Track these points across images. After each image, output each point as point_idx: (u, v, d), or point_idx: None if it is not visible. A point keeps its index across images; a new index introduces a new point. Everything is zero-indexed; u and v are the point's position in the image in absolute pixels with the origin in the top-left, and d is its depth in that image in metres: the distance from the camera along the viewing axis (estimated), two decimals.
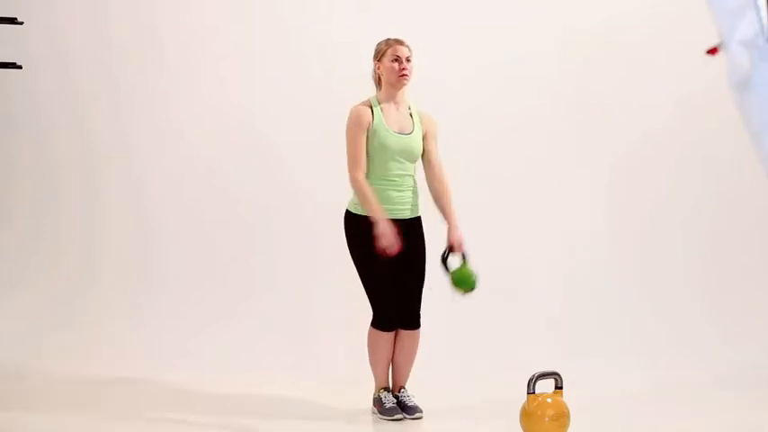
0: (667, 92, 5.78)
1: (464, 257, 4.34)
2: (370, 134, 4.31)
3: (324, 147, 5.69)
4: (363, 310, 4.47)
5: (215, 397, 4.73)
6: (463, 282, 4.28)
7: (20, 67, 4.66)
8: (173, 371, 5.11)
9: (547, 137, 5.83)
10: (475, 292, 4.29)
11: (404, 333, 4.44)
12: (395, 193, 4.33)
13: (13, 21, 4.51)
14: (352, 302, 5.23)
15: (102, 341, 5.46)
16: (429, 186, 4.47)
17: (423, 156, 4.43)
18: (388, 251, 4.18)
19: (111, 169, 5.85)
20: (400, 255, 4.31)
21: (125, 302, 5.68)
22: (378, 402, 4.44)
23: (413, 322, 4.43)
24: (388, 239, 4.18)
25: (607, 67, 5.80)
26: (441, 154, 4.47)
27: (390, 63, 4.35)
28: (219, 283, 5.71)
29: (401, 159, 4.34)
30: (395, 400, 4.43)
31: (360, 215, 4.32)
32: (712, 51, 2.05)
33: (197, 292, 5.68)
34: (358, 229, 4.32)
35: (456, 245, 4.39)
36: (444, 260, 4.33)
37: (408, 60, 4.36)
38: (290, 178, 5.78)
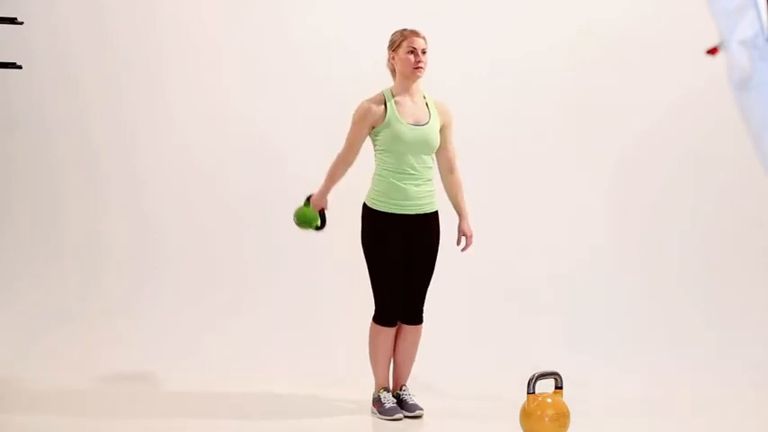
0: (667, 92, 5.77)
1: (308, 200, 4.55)
2: (383, 128, 4.30)
3: (325, 146, 5.68)
4: (364, 309, 4.47)
5: (215, 397, 4.73)
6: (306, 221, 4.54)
7: (20, 67, 4.66)
8: (173, 371, 5.10)
9: (547, 137, 5.82)
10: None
11: (406, 328, 4.45)
12: (413, 188, 4.32)
13: (13, 21, 4.51)
14: (353, 302, 5.24)
15: (102, 341, 5.46)
16: (441, 177, 4.47)
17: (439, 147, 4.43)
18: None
19: (111, 169, 5.85)
20: (414, 250, 4.32)
21: (125, 302, 5.67)
22: (377, 402, 4.44)
23: (416, 317, 4.44)
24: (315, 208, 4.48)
25: (607, 68, 5.79)
26: (455, 145, 4.48)
27: (406, 55, 4.32)
28: (220, 283, 5.70)
29: (418, 152, 4.32)
30: (395, 400, 4.43)
31: (377, 210, 4.32)
32: (712, 51, 2.05)
33: (197, 292, 5.68)
34: (374, 223, 4.34)
35: (468, 237, 4.52)
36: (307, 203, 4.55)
37: (424, 52, 4.35)
38: (292, 178, 5.76)
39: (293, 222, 4.57)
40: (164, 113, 5.83)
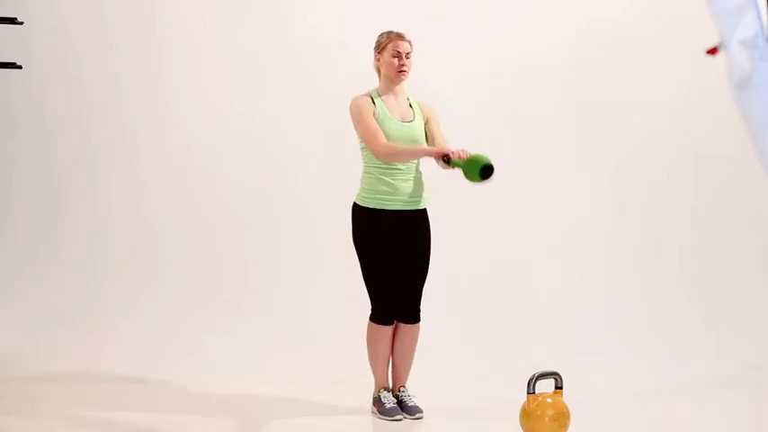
0: (667, 92, 5.78)
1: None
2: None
3: (324, 146, 5.71)
4: (363, 310, 4.47)
5: (215, 397, 4.72)
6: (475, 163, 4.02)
7: (20, 67, 4.66)
8: (172, 371, 5.10)
9: (547, 137, 5.82)
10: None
11: (403, 327, 4.45)
12: (402, 183, 4.33)
13: (13, 21, 4.51)
14: (352, 303, 5.23)
15: (103, 341, 5.46)
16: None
17: (428, 143, 4.43)
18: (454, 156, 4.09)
19: (111, 169, 5.85)
20: (405, 246, 4.33)
21: (125, 302, 5.68)
22: (377, 402, 4.43)
23: (413, 316, 4.44)
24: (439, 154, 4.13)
25: (607, 68, 5.79)
26: (446, 137, 4.45)
27: (390, 58, 4.35)
28: (220, 283, 5.71)
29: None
30: (395, 400, 4.43)
31: (366, 207, 4.33)
32: (712, 51, 2.05)
33: (197, 292, 5.68)
34: (364, 220, 4.34)
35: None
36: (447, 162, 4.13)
37: (408, 56, 4.37)
38: (290, 178, 5.78)
39: (476, 173, 3.99)
40: (164, 113, 5.83)
